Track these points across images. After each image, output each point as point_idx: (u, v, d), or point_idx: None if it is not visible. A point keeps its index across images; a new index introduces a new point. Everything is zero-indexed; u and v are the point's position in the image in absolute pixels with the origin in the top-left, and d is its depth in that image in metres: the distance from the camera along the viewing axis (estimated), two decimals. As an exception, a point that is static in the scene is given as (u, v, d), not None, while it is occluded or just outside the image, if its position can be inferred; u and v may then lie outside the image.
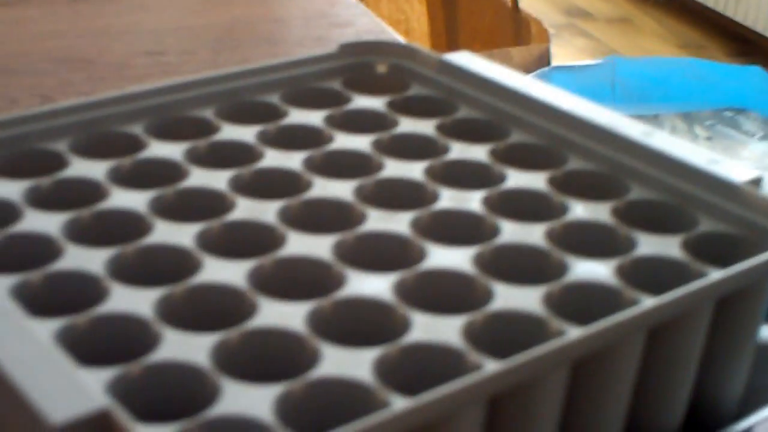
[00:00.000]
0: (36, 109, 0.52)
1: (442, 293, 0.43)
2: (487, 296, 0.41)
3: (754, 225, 0.46)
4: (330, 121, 0.56)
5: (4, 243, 0.44)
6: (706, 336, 0.43)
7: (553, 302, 0.42)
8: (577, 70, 1.50)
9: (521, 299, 0.41)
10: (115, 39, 0.93)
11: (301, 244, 0.44)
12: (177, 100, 0.55)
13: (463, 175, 0.51)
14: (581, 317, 0.41)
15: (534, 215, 0.48)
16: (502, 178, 0.50)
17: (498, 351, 0.40)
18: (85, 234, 0.45)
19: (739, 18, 2.89)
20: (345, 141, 0.54)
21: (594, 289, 0.42)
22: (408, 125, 0.55)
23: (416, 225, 0.46)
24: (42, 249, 0.44)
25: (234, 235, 0.46)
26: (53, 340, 0.38)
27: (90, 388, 0.34)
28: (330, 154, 0.52)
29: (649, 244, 0.45)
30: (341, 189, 0.49)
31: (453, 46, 2.09)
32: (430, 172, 0.51)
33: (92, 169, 0.49)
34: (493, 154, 0.53)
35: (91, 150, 0.51)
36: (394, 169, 0.51)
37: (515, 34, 1.89)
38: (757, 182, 0.47)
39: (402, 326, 0.40)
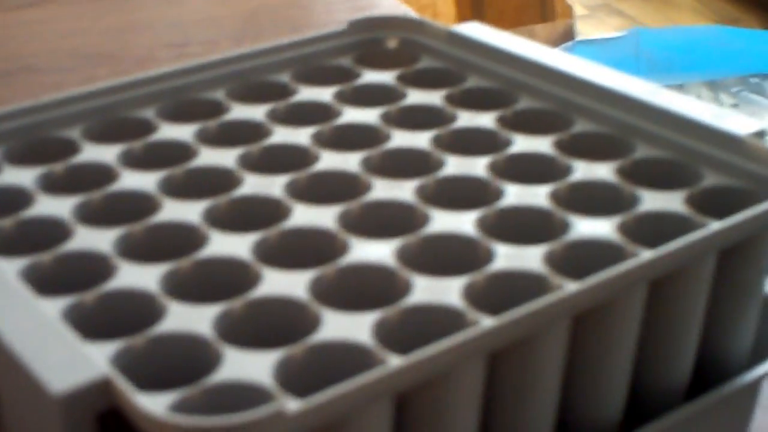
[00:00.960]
0: (48, 98, 0.53)
1: (446, 257, 0.43)
2: (489, 257, 0.42)
3: (758, 177, 0.45)
4: (339, 96, 0.56)
5: (17, 228, 0.45)
6: (711, 289, 0.43)
7: (555, 261, 0.42)
8: (601, 42, 1.49)
9: (523, 259, 0.41)
10: (138, 33, 0.94)
11: (306, 215, 0.45)
12: (188, 82, 0.56)
13: (471, 143, 0.51)
14: (584, 275, 0.41)
15: (540, 178, 0.48)
16: (508, 144, 0.50)
17: (501, 312, 0.40)
18: (95, 215, 0.46)
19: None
20: (354, 115, 0.54)
21: (596, 246, 0.42)
22: (417, 97, 0.56)
23: (421, 192, 0.46)
24: (53, 231, 0.44)
25: (241, 210, 0.46)
26: (61, 317, 0.38)
27: (92, 359, 0.34)
28: (338, 128, 0.53)
29: (653, 201, 0.45)
30: (348, 161, 0.49)
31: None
32: (437, 141, 0.51)
33: (104, 154, 0.50)
34: (501, 120, 0.53)
35: (103, 135, 0.52)
36: (401, 139, 0.51)
37: (541, 13, 1.88)
38: (761, 134, 0.46)
39: (405, 290, 0.40)
